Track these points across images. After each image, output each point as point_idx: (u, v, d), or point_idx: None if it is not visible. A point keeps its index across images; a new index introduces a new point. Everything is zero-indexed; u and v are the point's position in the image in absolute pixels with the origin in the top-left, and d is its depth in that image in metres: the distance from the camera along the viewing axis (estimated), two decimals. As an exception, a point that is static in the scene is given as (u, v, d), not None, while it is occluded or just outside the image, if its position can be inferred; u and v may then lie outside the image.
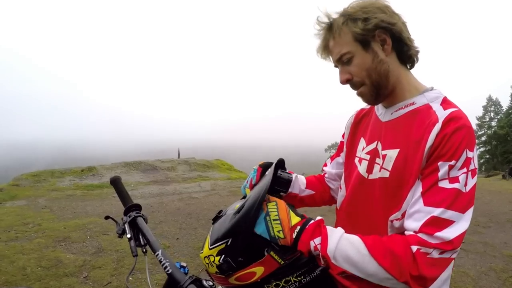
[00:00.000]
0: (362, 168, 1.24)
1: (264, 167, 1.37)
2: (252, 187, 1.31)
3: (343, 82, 1.14)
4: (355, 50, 1.09)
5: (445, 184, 0.95)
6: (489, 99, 58.27)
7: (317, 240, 0.94)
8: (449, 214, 0.92)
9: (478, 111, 58.59)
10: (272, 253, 0.92)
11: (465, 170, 0.95)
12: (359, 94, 1.16)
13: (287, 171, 1.43)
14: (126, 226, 1.22)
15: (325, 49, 1.17)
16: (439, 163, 0.96)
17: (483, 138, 53.73)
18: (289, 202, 1.05)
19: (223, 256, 0.93)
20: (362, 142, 1.30)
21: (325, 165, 1.60)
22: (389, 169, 1.09)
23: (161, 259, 1.05)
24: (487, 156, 52.53)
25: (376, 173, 1.15)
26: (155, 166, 13.76)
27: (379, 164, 1.15)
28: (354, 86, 1.14)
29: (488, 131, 54.28)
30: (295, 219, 0.96)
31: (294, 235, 0.93)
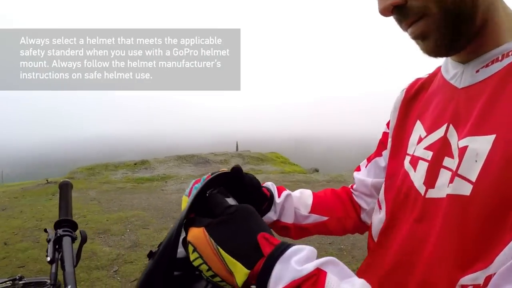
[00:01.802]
0: (417, 176, 0.70)
1: (216, 178, 0.74)
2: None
3: (387, 9, 0.60)
4: None
5: None
6: None
7: None
8: None
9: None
10: None
11: None
12: (416, 35, 0.62)
13: (265, 186, 0.90)
14: (50, 245, 1.02)
15: None
16: None
17: None
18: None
19: None
20: (418, 129, 0.77)
21: (358, 169, 1.04)
22: (473, 178, 0.55)
23: None
24: None
25: (443, 187, 0.62)
26: (208, 159, 13.73)
27: (451, 169, 0.61)
28: (408, 17, 0.61)
29: None
30: (239, 272, 0.52)
31: None
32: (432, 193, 0.64)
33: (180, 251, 0.62)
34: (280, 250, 0.51)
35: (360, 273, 0.82)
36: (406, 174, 0.74)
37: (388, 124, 0.93)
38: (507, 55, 0.59)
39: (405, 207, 0.70)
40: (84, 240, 1.06)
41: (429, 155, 0.68)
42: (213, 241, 0.53)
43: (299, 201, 0.96)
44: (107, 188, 9.12)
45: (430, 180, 0.65)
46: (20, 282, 3.37)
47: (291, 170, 13.62)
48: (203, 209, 0.64)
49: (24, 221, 6.08)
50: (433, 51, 0.62)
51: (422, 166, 0.69)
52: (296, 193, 0.98)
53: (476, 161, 0.55)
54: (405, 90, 0.88)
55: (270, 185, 0.93)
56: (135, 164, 12.32)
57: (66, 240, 1.04)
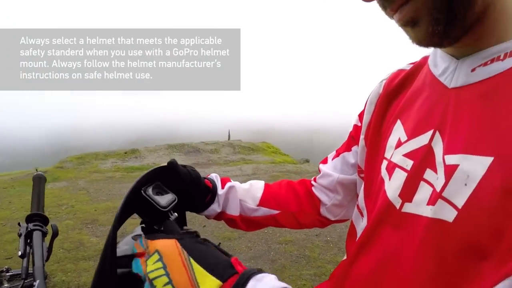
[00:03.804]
0: (391, 186, 0.63)
1: (151, 173, 0.71)
2: None
3: None
4: None
5: None
6: None
7: None
8: None
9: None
10: None
11: None
12: (405, 21, 0.52)
13: (208, 178, 0.90)
14: (21, 239, 1.02)
15: None
16: None
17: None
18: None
19: None
20: (398, 131, 0.67)
21: (325, 160, 0.97)
22: (459, 204, 0.49)
23: None
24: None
25: (421, 203, 0.55)
26: (198, 148, 13.67)
27: (432, 185, 0.55)
28: (393, 1, 0.51)
29: None
30: (210, 285, 0.49)
31: None
32: (409, 208, 0.57)
33: (126, 249, 0.62)
34: (253, 272, 0.50)
35: (333, 277, 0.80)
36: (382, 182, 0.67)
37: (360, 116, 0.84)
38: (510, 55, 0.49)
39: (381, 220, 0.63)
40: (55, 234, 1.07)
41: (408, 164, 0.60)
42: (185, 252, 0.51)
43: (247, 193, 0.94)
44: (96, 178, 9.08)
45: (408, 193, 0.58)
46: (7, 274, 3.38)
47: (282, 160, 13.64)
48: (142, 206, 0.65)
49: (13, 212, 6.06)
50: (425, 39, 0.51)
51: (399, 176, 0.61)
52: (245, 185, 0.96)
53: (465, 184, 0.48)
54: (384, 82, 0.78)
55: (214, 176, 0.92)
56: (125, 153, 12.23)
57: (37, 235, 1.04)
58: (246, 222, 0.94)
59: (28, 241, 1.02)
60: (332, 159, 0.94)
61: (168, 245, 0.52)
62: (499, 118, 0.48)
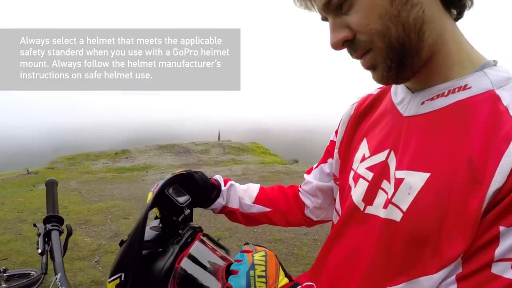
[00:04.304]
0: (356, 192, 0.78)
1: (173, 178, 0.94)
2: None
3: (338, 44, 0.64)
4: None
5: (503, 269, 0.51)
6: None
7: None
8: None
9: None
10: None
11: None
12: (367, 66, 0.66)
13: (214, 178, 1.12)
14: (40, 238, 1.12)
15: None
16: (501, 228, 0.52)
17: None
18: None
19: None
20: (363, 147, 0.82)
21: (309, 170, 1.14)
22: (404, 208, 0.64)
23: (58, 284, 0.99)
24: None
25: (379, 206, 0.70)
26: (189, 148, 13.74)
27: (387, 192, 0.70)
28: (357, 50, 0.64)
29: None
30: (283, 281, 0.72)
31: None
32: (371, 210, 0.73)
33: (147, 235, 0.83)
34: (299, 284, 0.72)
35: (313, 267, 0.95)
36: (349, 189, 0.82)
37: (336, 133, 0.99)
38: (453, 92, 0.62)
39: (349, 219, 0.79)
40: (69, 233, 1.17)
41: (369, 175, 0.75)
42: (278, 261, 0.75)
43: (245, 192, 1.13)
44: (88, 178, 9.13)
45: (369, 198, 0.74)
46: (5, 274, 3.44)
47: (271, 160, 13.75)
48: (164, 202, 0.87)
49: (6, 213, 6.08)
50: (381, 81, 0.66)
51: (362, 184, 0.76)
52: (244, 186, 1.15)
53: (408, 193, 0.63)
54: (355, 106, 0.93)
55: (218, 177, 1.12)
56: (116, 153, 12.24)
57: (54, 234, 1.14)
58: (244, 217, 1.13)
59: (46, 239, 1.13)
60: (314, 169, 1.10)
61: (271, 253, 0.75)
62: (436, 144, 0.63)
